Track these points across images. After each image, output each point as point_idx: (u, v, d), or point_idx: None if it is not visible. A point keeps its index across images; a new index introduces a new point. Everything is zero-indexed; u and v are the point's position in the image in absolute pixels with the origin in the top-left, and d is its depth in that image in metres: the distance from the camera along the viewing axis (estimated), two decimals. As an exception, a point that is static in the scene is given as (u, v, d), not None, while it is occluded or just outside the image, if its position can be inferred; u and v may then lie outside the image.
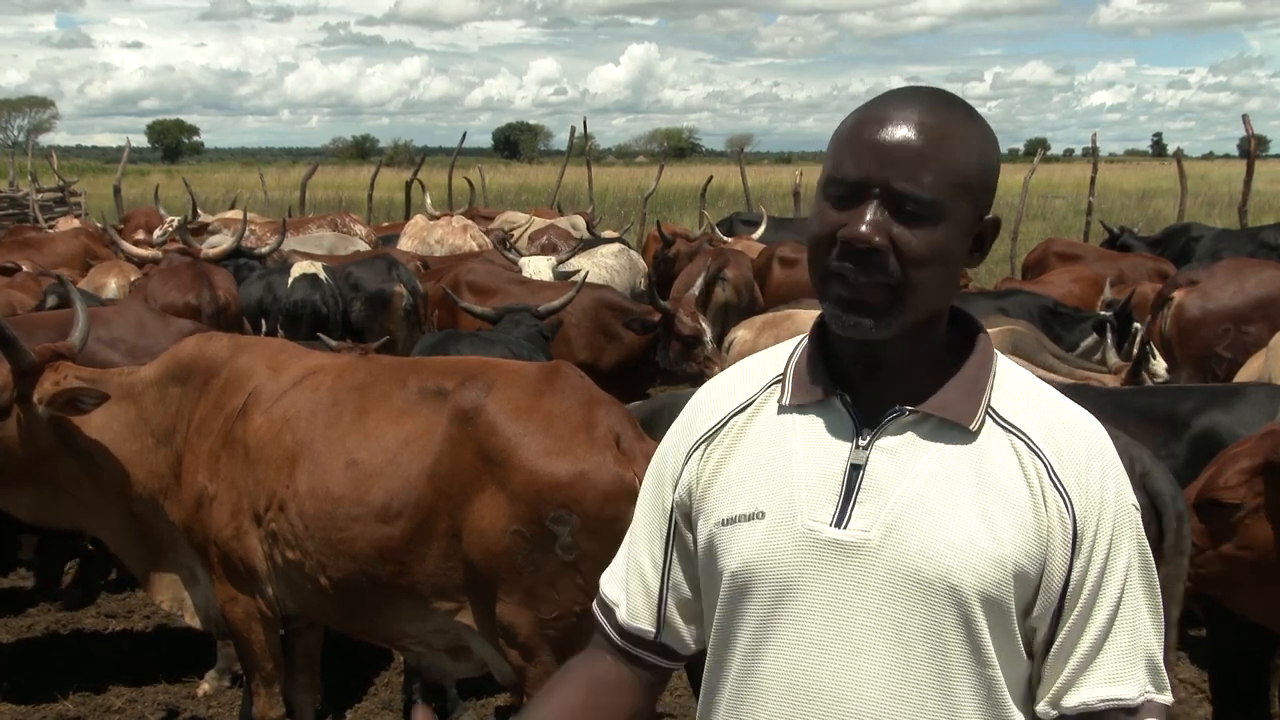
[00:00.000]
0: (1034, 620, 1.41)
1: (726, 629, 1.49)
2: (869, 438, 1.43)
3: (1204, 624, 4.08)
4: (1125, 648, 1.41)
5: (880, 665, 1.38)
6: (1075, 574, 1.39)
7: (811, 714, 1.41)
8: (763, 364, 1.58)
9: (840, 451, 1.44)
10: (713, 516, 1.50)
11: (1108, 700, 1.40)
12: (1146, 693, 1.41)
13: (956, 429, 1.42)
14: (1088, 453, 1.42)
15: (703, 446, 1.54)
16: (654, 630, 1.61)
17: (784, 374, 1.52)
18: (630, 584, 1.62)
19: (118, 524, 3.83)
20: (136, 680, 5.02)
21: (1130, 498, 1.44)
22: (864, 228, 1.37)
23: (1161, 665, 1.43)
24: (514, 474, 3.18)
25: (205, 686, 4.87)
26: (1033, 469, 1.40)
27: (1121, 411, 4.11)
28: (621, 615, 1.62)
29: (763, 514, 1.45)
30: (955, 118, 1.42)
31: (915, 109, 1.40)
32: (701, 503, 1.52)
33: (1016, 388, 1.47)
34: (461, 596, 3.31)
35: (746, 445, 1.51)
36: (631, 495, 3.21)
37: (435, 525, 3.27)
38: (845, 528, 1.40)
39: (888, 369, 1.46)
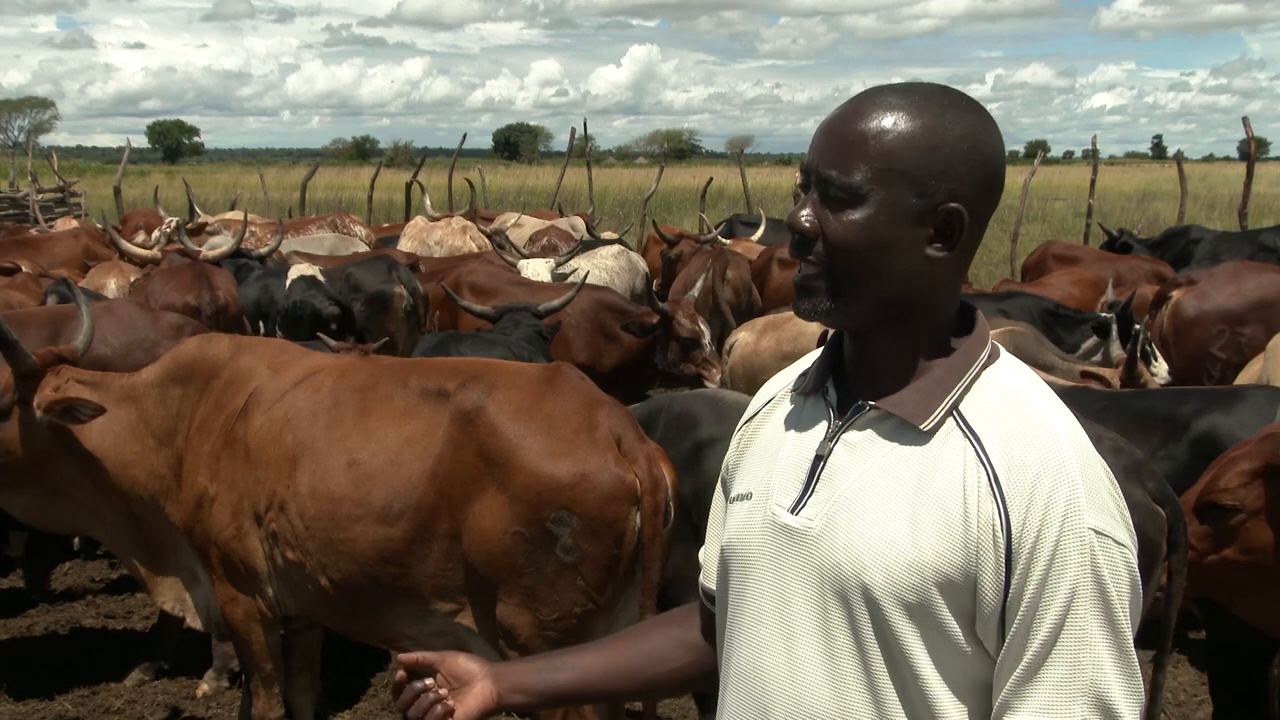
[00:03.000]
0: (979, 631, 1.35)
1: (720, 602, 1.58)
2: (837, 430, 1.46)
3: (1203, 626, 4.08)
4: (1062, 680, 1.30)
5: (814, 652, 1.41)
6: (1013, 590, 1.32)
7: (758, 693, 1.46)
8: (803, 361, 1.64)
9: (814, 442, 1.48)
10: (730, 493, 1.61)
11: None
12: None
13: (912, 429, 1.41)
14: (1041, 467, 1.33)
15: (741, 431, 1.64)
16: None
17: (807, 369, 1.59)
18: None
19: (118, 525, 3.84)
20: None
21: (1090, 522, 1.31)
22: (796, 214, 1.44)
23: (1119, 710, 1.30)
24: (515, 475, 3.18)
25: (204, 687, 4.87)
26: (974, 478, 1.35)
27: (1121, 414, 4.12)
28: None
29: (750, 494, 1.53)
30: (905, 105, 1.39)
31: (866, 101, 1.42)
32: (729, 483, 1.63)
33: (997, 393, 1.41)
34: (462, 598, 3.31)
35: (764, 432, 1.59)
36: (632, 496, 3.23)
37: (436, 526, 3.27)
38: (798, 514, 1.44)
39: (871, 365, 1.48)
